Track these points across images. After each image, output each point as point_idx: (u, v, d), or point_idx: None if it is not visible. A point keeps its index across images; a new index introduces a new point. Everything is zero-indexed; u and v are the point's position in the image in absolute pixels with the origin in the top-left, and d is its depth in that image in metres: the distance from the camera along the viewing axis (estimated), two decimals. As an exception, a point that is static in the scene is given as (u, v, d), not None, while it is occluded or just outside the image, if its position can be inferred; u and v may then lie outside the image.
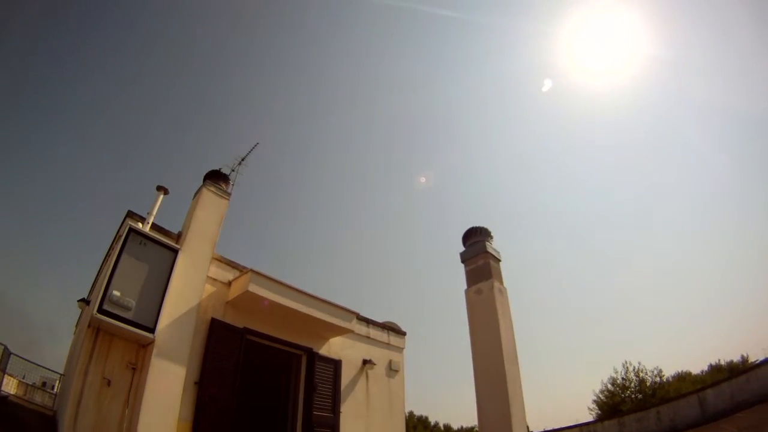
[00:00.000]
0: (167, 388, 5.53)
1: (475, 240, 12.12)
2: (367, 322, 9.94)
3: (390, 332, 10.37)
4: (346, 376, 8.69)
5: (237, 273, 7.57)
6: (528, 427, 9.86)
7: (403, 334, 10.72)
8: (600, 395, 29.55)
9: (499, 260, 11.55)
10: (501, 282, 10.77)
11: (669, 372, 29.65)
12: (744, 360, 28.57)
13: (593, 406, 29.82)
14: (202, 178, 7.53)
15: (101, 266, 5.69)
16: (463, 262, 11.93)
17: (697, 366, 33.75)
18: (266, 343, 7.71)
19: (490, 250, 11.40)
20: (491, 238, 12.00)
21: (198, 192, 7.31)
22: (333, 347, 8.78)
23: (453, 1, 56.46)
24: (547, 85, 46.57)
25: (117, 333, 5.37)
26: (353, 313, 8.90)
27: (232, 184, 7.91)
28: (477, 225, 12.64)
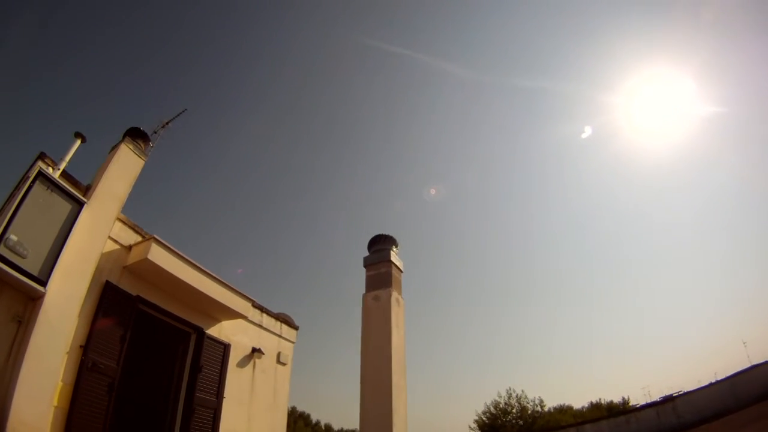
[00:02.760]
0: (51, 347, 5.31)
1: (381, 247, 12.94)
2: (262, 310, 10.15)
3: (283, 324, 10.68)
4: (234, 361, 8.82)
5: (140, 238, 7.38)
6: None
7: (296, 328, 11.09)
8: (482, 416, 31.72)
9: (402, 271, 12.52)
10: (400, 293, 11.70)
11: (550, 403, 32.60)
12: (625, 402, 32.40)
13: (474, 425, 32.10)
14: (122, 134, 7.23)
15: (1, 208, 5.27)
16: (365, 266, 12.69)
17: (578, 402, 37.40)
18: (158, 315, 7.61)
19: (393, 259, 12.30)
20: (397, 247, 12.95)
21: (115, 147, 7.04)
22: (224, 330, 8.87)
23: (510, 69, 59.11)
24: (587, 132, 50.31)
25: (7, 280, 5.03)
26: (250, 299, 9.09)
27: (152, 146, 7.68)
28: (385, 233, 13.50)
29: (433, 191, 56.97)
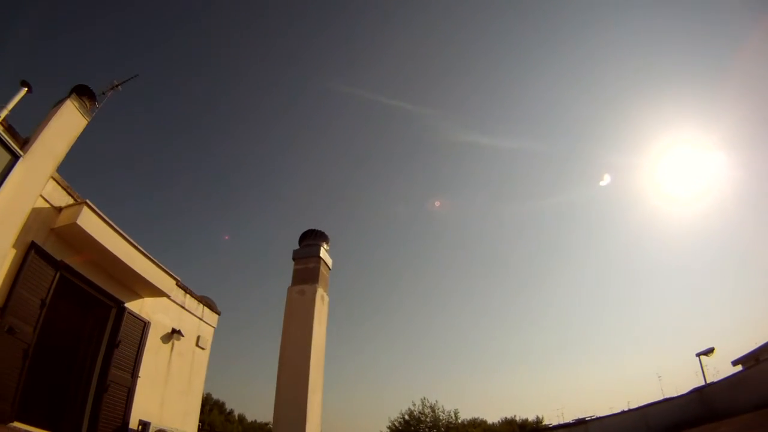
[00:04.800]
0: (-29, 303, 5.02)
1: (312, 242, 13.29)
2: (186, 291, 10.05)
3: (205, 307, 10.60)
4: (152, 340, 8.69)
5: (72, 201, 7.11)
6: None
7: (218, 312, 11.04)
8: (395, 423, 32.00)
9: (330, 269, 12.90)
10: (326, 290, 12.11)
11: (465, 416, 33.18)
12: (538, 420, 33.79)
13: (386, 431, 32.38)
14: (69, 90, 6.93)
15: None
16: (294, 259, 12.91)
17: (493, 417, 37.31)
18: (80, 284, 7.34)
19: (323, 255, 12.70)
20: (328, 245, 13.33)
21: (60, 102, 6.75)
22: (145, 307, 8.71)
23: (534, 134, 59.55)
24: (606, 179, 51.41)
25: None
26: (175, 277, 9.03)
27: (97, 107, 7.41)
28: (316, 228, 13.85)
29: (437, 203, 57.48)
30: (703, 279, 62.43)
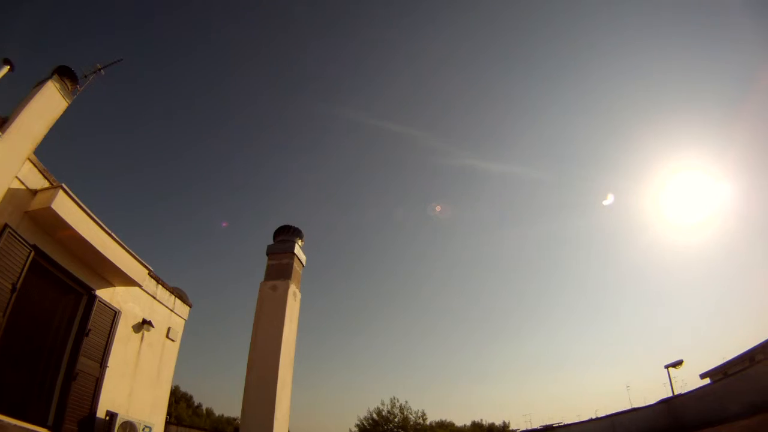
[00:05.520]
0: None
1: (286, 238, 13.32)
2: (158, 281, 9.93)
3: (177, 299, 10.50)
4: (123, 330, 8.58)
5: (47, 184, 6.99)
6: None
7: (190, 305, 10.94)
8: (364, 421, 32.03)
9: (303, 265, 12.94)
10: (298, 287, 12.16)
11: (433, 418, 33.63)
12: (506, 425, 34.85)
13: (355, 429, 32.30)
14: (51, 70, 6.79)
15: None
16: (267, 254, 12.91)
17: (460, 420, 38.39)
18: (52, 269, 7.19)
19: (297, 251, 12.75)
20: (302, 241, 13.36)
21: (41, 82, 6.63)
22: (116, 296, 8.60)
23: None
24: (610, 199, 51.75)
25: None
26: (147, 267, 8.95)
27: (79, 90, 7.28)
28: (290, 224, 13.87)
29: (438, 208, 57.66)
30: (681, 299, 65.18)
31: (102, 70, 7.61)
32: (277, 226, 13.62)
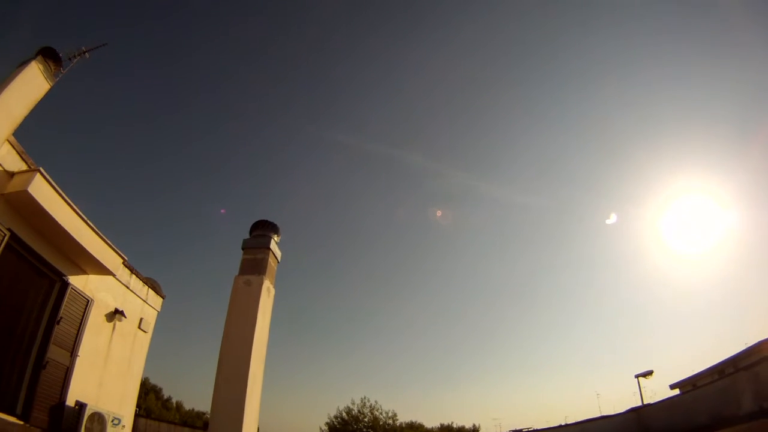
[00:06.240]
0: None
1: (262, 233, 13.23)
2: (132, 270, 9.82)
3: (150, 290, 10.37)
4: (94, 319, 8.45)
5: (25, 167, 6.84)
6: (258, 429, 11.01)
7: (163, 296, 10.82)
8: (333, 420, 31.75)
9: (278, 261, 12.91)
10: (273, 282, 12.15)
11: (403, 419, 33.34)
12: (475, 429, 35.19)
13: (324, 427, 32.01)
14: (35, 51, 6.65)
15: None
16: (243, 249, 12.82)
17: (430, 422, 37.97)
18: (25, 255, 7.03)
19: (273, 247, 12.71)
20: (278, 237, 13.33)
21: (24, 63, 6.51)
22: (89, 284, 8.48)
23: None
24: (612, 218, 51.27)
25: None
26: (122, 255, 8.85)
27: (62, 72, 7.14)
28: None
29: (439, 213, 57.42)
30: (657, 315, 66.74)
31: (86, 53, 7.48)
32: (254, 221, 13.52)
